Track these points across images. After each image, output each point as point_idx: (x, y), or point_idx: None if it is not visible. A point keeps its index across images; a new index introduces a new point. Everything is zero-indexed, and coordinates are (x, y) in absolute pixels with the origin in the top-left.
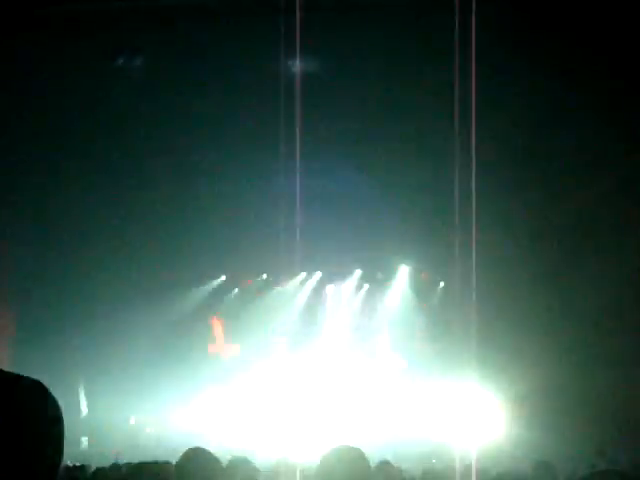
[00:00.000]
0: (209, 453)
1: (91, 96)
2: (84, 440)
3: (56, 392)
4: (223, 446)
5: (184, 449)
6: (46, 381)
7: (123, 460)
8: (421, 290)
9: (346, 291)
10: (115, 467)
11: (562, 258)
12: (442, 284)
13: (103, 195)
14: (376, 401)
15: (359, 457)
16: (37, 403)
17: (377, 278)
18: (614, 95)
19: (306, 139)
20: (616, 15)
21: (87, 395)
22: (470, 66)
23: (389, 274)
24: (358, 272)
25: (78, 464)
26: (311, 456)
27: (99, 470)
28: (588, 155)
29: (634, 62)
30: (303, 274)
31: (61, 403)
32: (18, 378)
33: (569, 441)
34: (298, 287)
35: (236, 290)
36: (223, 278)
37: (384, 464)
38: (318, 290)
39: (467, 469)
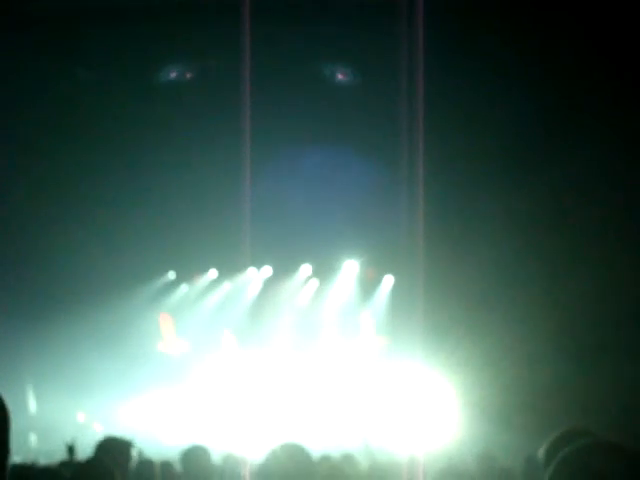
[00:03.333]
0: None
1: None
2: (32, 437)
3: (3, 390)
4: (173, 442)
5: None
6: None
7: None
8: (368, 285)
9: (294, 286)
10: (64, 465)
11: (517, 247)
12: (390, 279)
13: (47, 190)
14: (323, 398)
15: (301, 453)
16: None
17: (325, 273)
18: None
19: (257, 136)
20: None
21: (35, 392)
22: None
23: (336, 269)
24: (307, 267)
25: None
26: (259, 452)
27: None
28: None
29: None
30: (253, 269)
31: (8, 400)
32: None
33: (518, 435)
34: (247, 282)
35: (184, 286)
36: (171, 274)
37: (325, 459)
38: (267, 285)
39: (413, 463)
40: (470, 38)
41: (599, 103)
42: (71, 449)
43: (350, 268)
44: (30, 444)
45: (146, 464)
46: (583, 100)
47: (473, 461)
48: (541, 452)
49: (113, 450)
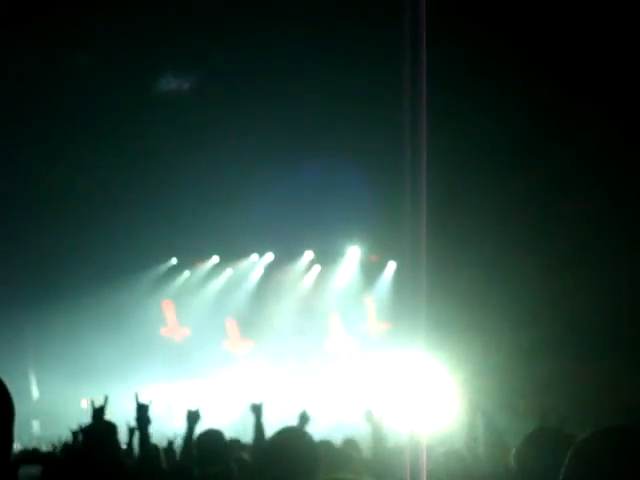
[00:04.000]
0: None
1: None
2: (35, 424)
3: (6, 376)
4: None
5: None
6: None
7: None
8: (371, 271)
9: (297, 272)
10: (66, 450)
11: (519, 236)
12: (392, 265)
13: (51, 178)
14: (327, 383)
15: (303, 438)
16: None
17: (328, 259)
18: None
19: (260, 126)
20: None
21: (38, 378)
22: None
23: (339, 255)
24: (309, 253)
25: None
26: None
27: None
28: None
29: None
30: (255, 255)
31: (10, 386)
32: None
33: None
34: (250, 268)
35: (187, 272)
36: (174, 261)
37: (327, 444)
38: (269, 271)
39: (416, 447)
40: (469, 38)
41: (598, 102)
42: (76, 435)
43: (353, 254)
44: (33, 430)
45: (151, 449)
46: (582, 99)
47: (478, 445)
48: (513, 453)
49: (99, 435)
